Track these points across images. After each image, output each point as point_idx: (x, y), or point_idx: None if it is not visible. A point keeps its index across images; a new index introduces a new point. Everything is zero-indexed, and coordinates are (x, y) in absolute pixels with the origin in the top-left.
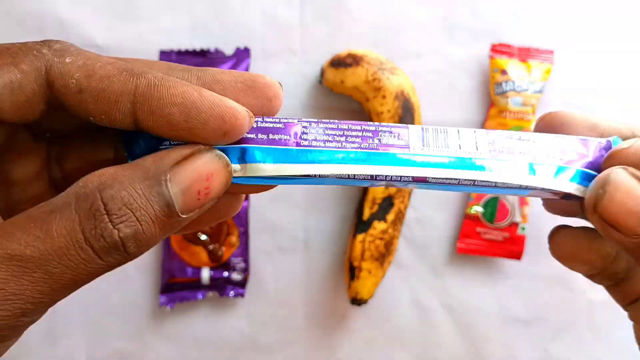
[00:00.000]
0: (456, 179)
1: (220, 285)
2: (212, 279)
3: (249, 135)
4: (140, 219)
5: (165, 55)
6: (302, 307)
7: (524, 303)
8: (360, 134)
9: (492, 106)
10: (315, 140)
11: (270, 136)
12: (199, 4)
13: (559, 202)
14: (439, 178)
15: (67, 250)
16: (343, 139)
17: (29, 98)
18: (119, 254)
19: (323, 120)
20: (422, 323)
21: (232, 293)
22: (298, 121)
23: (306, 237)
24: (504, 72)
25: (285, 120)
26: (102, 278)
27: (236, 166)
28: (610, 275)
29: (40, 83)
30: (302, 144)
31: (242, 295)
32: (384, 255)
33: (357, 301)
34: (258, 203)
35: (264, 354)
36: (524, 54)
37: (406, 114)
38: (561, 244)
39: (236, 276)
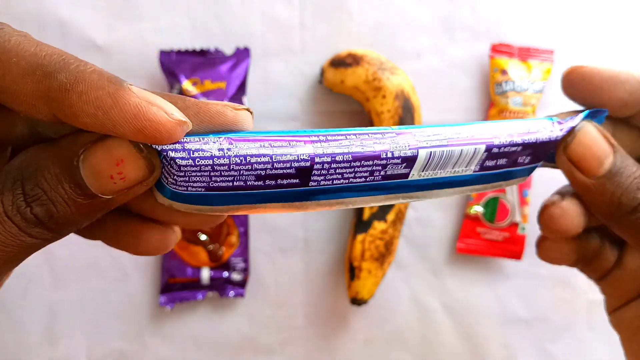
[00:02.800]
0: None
1: (220, 286)
2: (212, 279)
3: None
4: (52, 198)
5: (165, 55)
6: (302, 307)
7: (524, 303)
8: (370, 167)
9: (492, 106)
10: (325, 180)
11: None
12: (199, 4)
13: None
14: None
15: None
16: (352, 173)
17: None
18: (41, 228)
19: (334, 150)
20: (422, 323)
21: (232, 293)
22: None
23: (306, 237)
24: (504, 72)
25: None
26: (102, 278)
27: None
28: (581, 261)
29: None
30: (310, 185)
31: (242, 295)
32: (384, 255)
33: (357, 301)
34: None
35: (264, 354)
36: (524, 54)
37: (406, 113)
38: (547, 250)
39: (236, 276)
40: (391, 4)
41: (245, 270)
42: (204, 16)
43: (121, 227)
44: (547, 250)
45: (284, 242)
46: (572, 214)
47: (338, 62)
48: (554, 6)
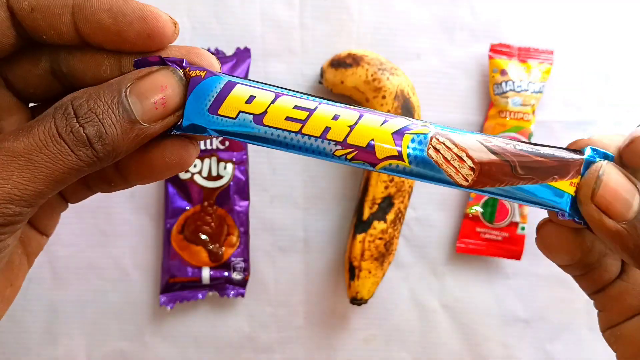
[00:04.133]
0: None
1: (220, 285)
2: (212, 278)
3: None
4: (103, 120)
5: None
6: (302, 306)
7: (523, 303)
8: None
9: (492, 106)
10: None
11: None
12: (199, 4)
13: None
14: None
15: (46, 142)
16: None
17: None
18: (87, 149)
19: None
20: (421, 323)
21: (232, 293)
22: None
23: (306, 236)
24: (503, 72)
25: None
26: (102, 278)
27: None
28: (583, 265)
29: (4, 10)
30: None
31: (242, 295)
32: (383, 255)
33: (357, 301)
34: (258, 203)
35: (264, 354)
36: (524, 54)
37: (406, 114)
38: (547, 236)
39: (236, 276)
40: (391, 4)
41: (246, 270)
42: (204, 16)
43: (144, 149)
44: (547, 235)
45: (284, 242)
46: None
47: (338, 63)
48: (553, 6)
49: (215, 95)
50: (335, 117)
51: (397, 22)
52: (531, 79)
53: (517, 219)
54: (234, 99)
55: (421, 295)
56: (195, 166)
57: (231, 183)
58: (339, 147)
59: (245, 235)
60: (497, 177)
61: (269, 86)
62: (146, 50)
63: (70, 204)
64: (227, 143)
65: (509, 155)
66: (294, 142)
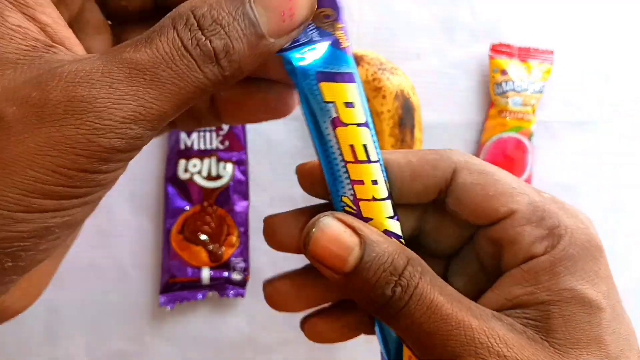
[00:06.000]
0: None
1: (220, 285)
2: (212, 279)
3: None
4: (229, 34)
5: None
6: None
7: None
8: None
9: (492, 106)
10: None
11: None
12: None
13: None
14: None
15: (172, 55)
16: None
17: None
18: (213, 66)
19: None
20: None
21: (232, 293)
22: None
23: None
24: (503, 72)
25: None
26: (102, 278)
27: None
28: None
29: None
30: None
31: (242, 295)
32: None
33: None
34: (258, 203)
35: (263, 354)
36: (524, 54)
37: (406, 114)
38: (315, 328)
39: (236, 276)
40: (391, 4)
41: (246, 270)
42: None
43: (246, 87)
44: (314, 328)
45: None
46: (283, 292)
47: None
48: (554, 6)
49: (333, 69)
50: (374, 182)
51: (397, 22)
52: (531, 78)
53: None
54: (341, 89)
55: None
56: (194, 166)
57: (231, 183)
58: (351, 199)
59: (245, 235)
60: None
61: (365, 110)
62: None
63: None
64: (227, 143)
65: None
66: (333, 164)
